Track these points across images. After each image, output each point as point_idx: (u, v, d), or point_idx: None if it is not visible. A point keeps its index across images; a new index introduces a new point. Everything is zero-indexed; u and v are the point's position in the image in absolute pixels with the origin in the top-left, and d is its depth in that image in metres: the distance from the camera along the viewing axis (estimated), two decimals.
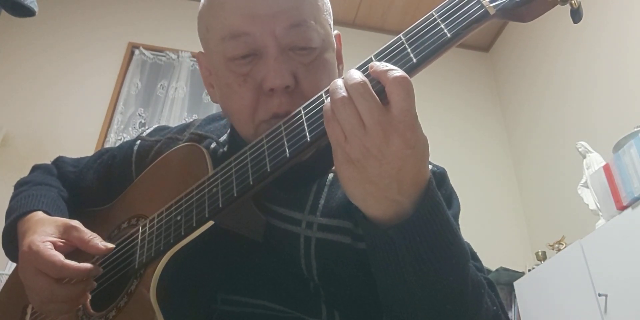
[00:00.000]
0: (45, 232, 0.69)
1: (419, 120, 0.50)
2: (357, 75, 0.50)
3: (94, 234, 0.69)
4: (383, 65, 0.50)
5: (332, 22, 0.74)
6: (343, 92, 0.50)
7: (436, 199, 0.53)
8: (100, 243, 0.68)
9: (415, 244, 0.52)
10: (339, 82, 0.52)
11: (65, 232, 0.69)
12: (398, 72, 0.49)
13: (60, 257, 0.64)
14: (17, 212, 0.78)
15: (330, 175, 0.70)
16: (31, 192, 0.83)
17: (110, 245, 0.68)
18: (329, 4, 0.74)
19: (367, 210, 0.53)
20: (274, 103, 0.65)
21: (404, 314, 0.58)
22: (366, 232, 0.56)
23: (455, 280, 0.54)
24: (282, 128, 0.58)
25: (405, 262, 0.53)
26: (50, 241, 0.67)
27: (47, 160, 0.99)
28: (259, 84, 0.66)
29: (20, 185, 0.88)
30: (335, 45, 0.75)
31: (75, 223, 0.71)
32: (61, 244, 0.68)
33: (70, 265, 0.63)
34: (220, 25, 0.68)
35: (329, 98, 0.52)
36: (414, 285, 0.54)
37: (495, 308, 0.62)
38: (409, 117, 0.48)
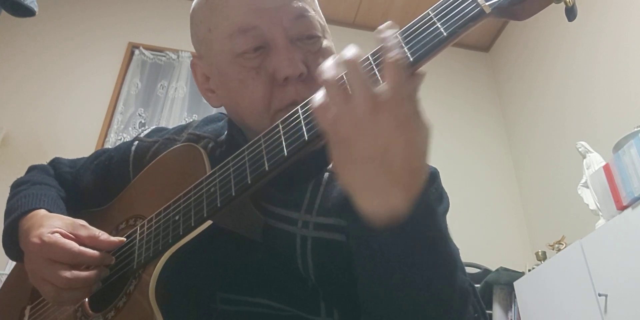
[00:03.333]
0: (53, 225, 0.70)
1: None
2: (348, 53, 0.49)
3: (102, 231, 0.71)
4: (389, 48, 0.49)
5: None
6: (332, 70, 0.49)
7: (431, 203, 0.53)
8: (111, 237, 0.70)
9: (407, 249, 0.51)
10: (328, 63, 0.51)
11: (74, 229, 0.70)
12: (396, 55, 0.48)
13: (75, 244, 0.66)
14: (19, 211, 0.78)
15: (326, 175, 0.70)
16: (31, 191, 0.82)
17: (121, 238, 0.70)
18: None
19: (359, 202, 0.51)
20: (290, 92, 0.66)
21: (385, 317, 0.57)
22: (356, 232, 0.56)
23: (442, 288, 0.54)
24: (280, 127, 0.58)
25: (393, 266, 0.52)
26: (59, 233, 0.68)
27: (47, 160, 0.98)
28: (272, 76, 0.67)
29: (17, 186, 0.88)
30: None
31: (83, 222, 0.72)
32: (71, 237, 0.69)
33: (87, 251, 0.66)
34: (226, 23, 0.69)
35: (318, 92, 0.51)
36: (399, 289, 0.53)
37: (477, 315, 0.62)
38: (399, 95, 0.46)
